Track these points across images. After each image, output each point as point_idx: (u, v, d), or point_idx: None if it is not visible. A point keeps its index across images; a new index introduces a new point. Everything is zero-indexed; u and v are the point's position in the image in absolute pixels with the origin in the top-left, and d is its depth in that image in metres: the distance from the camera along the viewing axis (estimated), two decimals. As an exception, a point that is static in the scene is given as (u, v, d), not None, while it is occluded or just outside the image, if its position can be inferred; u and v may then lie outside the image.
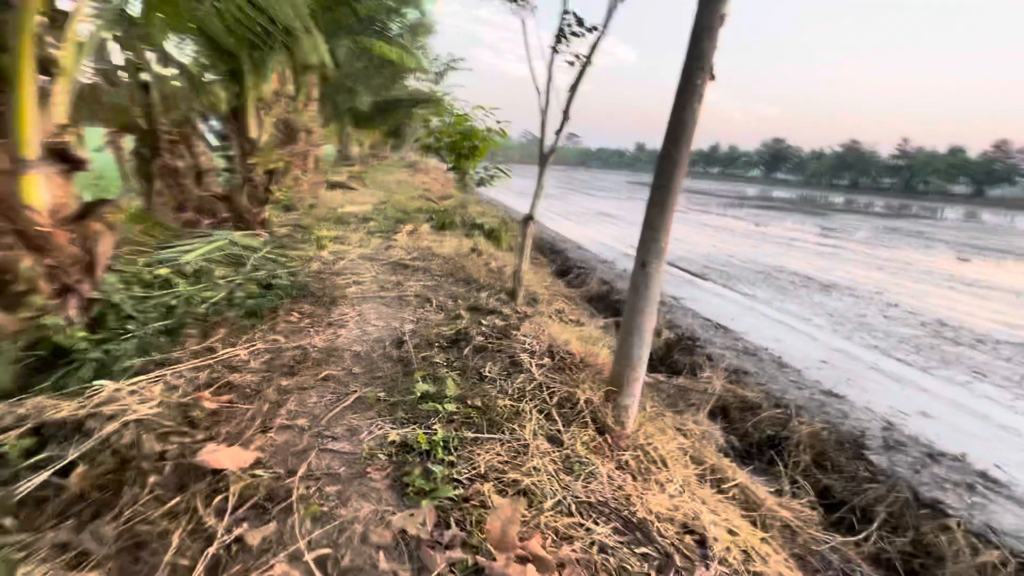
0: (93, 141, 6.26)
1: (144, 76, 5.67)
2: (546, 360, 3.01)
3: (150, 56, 5.46)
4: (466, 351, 3.13)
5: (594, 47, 4.12)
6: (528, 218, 4.69)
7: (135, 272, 3.33)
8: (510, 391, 2.65)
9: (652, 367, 4.62)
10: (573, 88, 4.28)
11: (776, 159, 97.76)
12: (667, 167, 2.53)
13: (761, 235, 15.87)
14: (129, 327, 2.81)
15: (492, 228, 7.87)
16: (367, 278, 4.82)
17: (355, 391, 2.61)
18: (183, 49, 5.57)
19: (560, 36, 4.23)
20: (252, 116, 5.55)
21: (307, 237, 5.85)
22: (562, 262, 8.79)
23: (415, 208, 10.37)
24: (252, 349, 2.99)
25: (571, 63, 4.31)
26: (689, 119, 2.47)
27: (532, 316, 4.32)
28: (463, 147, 8.66)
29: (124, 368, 2.45)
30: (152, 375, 2.46)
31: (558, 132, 4.38)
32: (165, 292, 3.36)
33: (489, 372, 2.86)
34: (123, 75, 5.34)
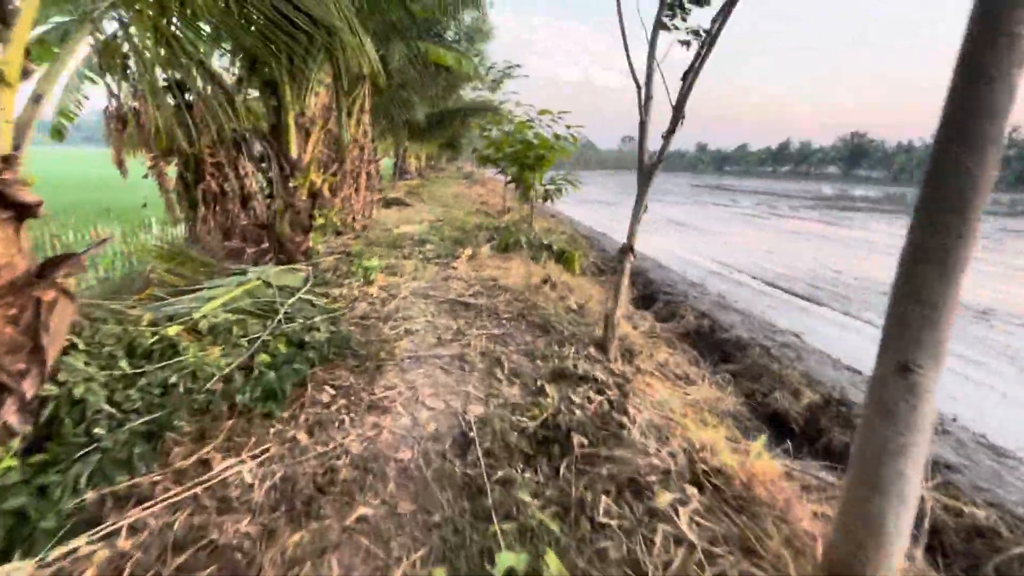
0: (135, 167, 5.86)
1: (187, 95, 5.16)
2: (691, 492, 1.92)
3: (192, 73, 4.93)
4: (562, 468, 2.10)
5: (724, 16, 2.98)
6: (627, 249, 3.62)
7: (128, 339, 2.58)
8: (649, 570, 1.59)
9: (796, 449, 3.37)
10: (690, 74, 3.18)
11: (856, 154, 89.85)
12: (950, 185, 1.38)
13: (863, 243, 13.78)
14: (97, 431, 2.02)
15: (562, 249, 6.85)
16: (420, 323, 3.93)
17: (400, 557, 1.65)
18: (219, 62, 5.00)
19: (673, 4, 3.14)
20: (293, 133, 4.87)
21: (355, 268, 5.09)
22: (643, 285, 7.62)
23: (474, 225, 9.53)
24: (262, 459, 2.12)
25: (686, 42, 3.21)
26: (1000, 99, 1.31)
27: (634, 379, 3.24)
28: (526, 158, 7.72)
29: (58, 517, 1.63)
30: (99, 530, 1.62)
31: (668, 134, 3.29)
32: (164, 363, 2.59)
33: (605, 515, 1.82)
34: (166, 96, 4.82)
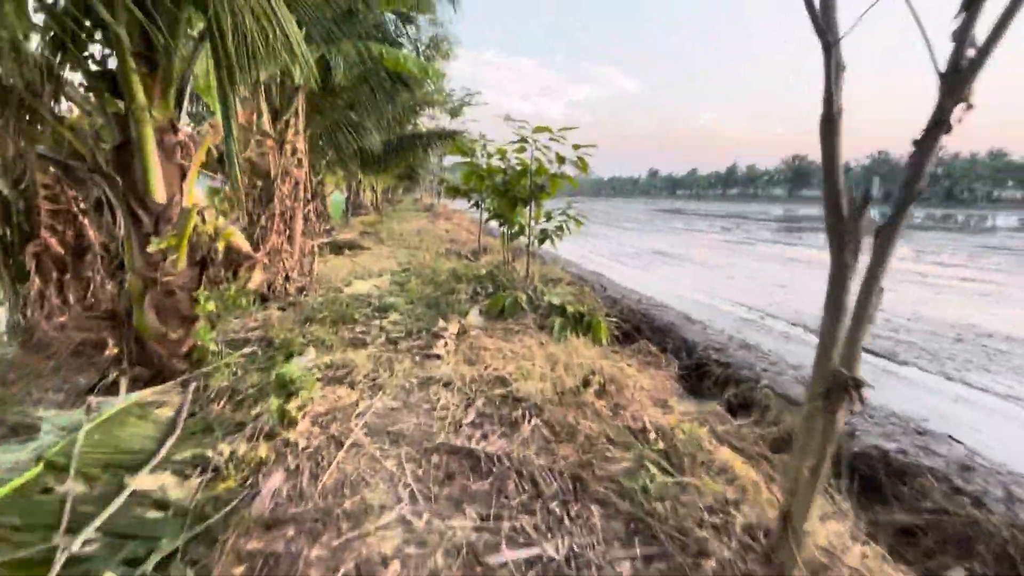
0: None
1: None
2: None
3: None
4: None
5: None
6: (853, 385, 1.75)
7: None
8: None
9: None
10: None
11: (799, 176, 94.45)
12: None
13: (864, 269, 12.74)
14: None
15: (578, 312, 4.98)
16: (391, 532, 1.93)
17: None
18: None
19: None
20: (154, 162, 2.82)
21: (269, 380, 3.01)
22: (676, 346, 5.87)
23: (448, 272, 7.57)
24: None
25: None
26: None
27: None
28: (518, 189, 5.90)
29: None
30: None
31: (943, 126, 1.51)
32: None
33: None
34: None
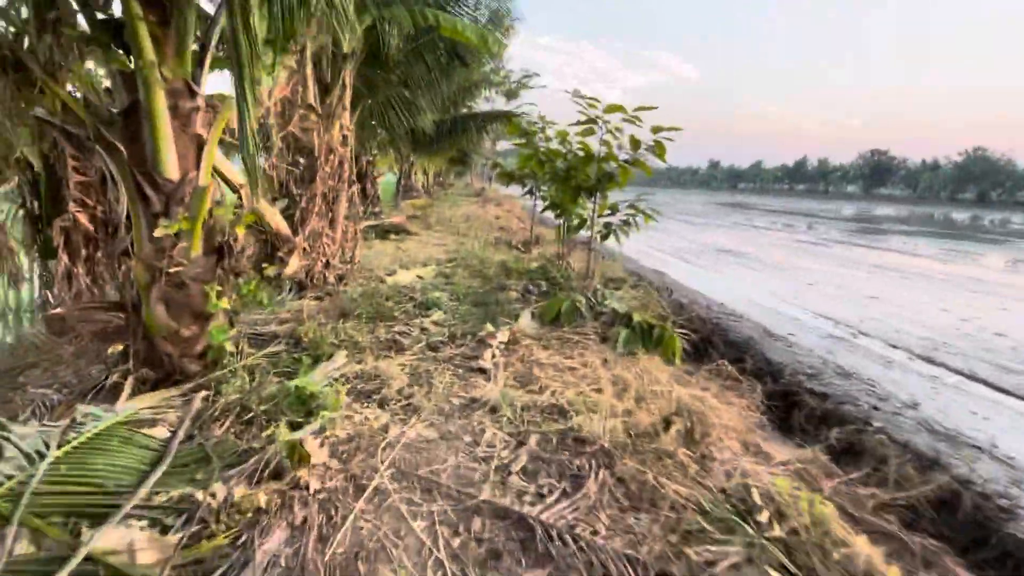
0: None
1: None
2: None
3: None
4: None
5: None
6: None
7: None
8: None
9: None
10: None
11: (877, 172, 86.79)
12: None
13: (973, 281, 11.11)
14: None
15: (646, 323, 4.27)
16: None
17: None
18: None
19: None
20: (164, 129, 2.37)
21: (289, 391, 2.54)
22: (757, 366, 5.03)
23: (497, 265, 7.00)
24: None
25: None
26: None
27: None
28: (582, 177, 5.21)
29: None
30: None
31: None
32: None
33: None
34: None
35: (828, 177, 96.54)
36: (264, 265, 4.57)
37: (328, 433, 2.39)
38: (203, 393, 2.56)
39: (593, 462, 2.31)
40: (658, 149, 4.57)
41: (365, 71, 7.05)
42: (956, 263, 14.44)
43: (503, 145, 36.48)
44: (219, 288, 2.58)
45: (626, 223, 5.50)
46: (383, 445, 2.37)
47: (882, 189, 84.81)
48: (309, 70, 5.14)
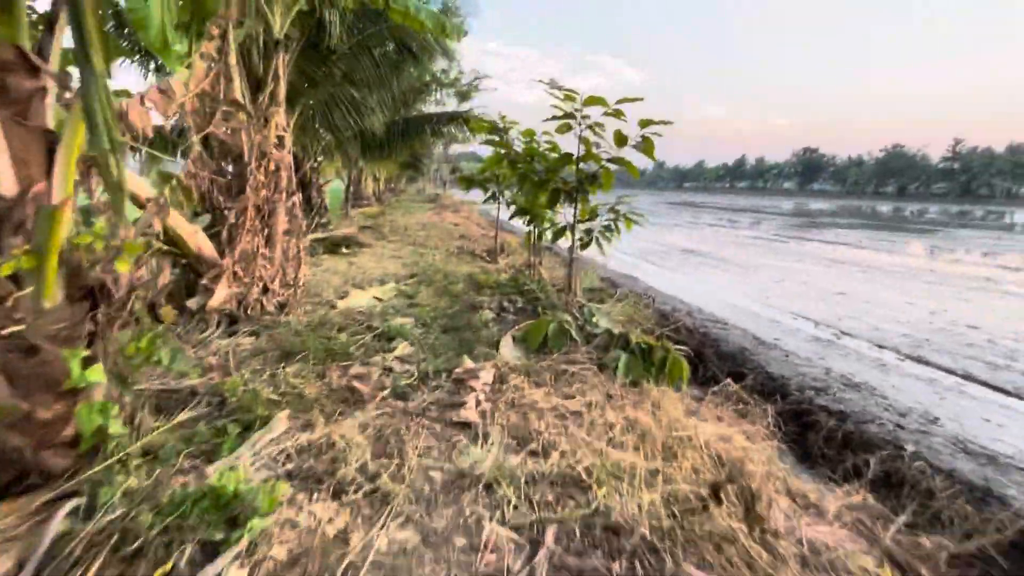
0: None
1: None
2: None
3: None
4: None
5: None
6: None
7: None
8: None
9: None
10: None
11: (810, 169, 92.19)
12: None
13: (919, 271, 11.44)
14: None
15: (644, 343, 3.71)
16: None
17: None
18: None
19: None
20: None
21: (201, 493, 1.79)
22: (758, 380, 4.59)
23: (464, 279, 6.32)
24: None
25: None
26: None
27: None
28: (555, 180, 4.64)
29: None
30: None
31: None
32: None
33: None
34: None
35: (765, 175, 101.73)
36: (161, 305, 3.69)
37: (261, 555, 1.65)
38: (70, 505, 1.76)
39: (638, 566, 1.69)
40: (646, 145, 4.05)
41: (304, 65, 6.21)
42: (901, 254, 15.01)
43: (455, 149, 35.68)
44: (86, 352, 1.78)
45: (608, 228, 4.96)
46: (343, 565, 1.66)
47: (814, 185, 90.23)
48: (233, 60, 4.29)
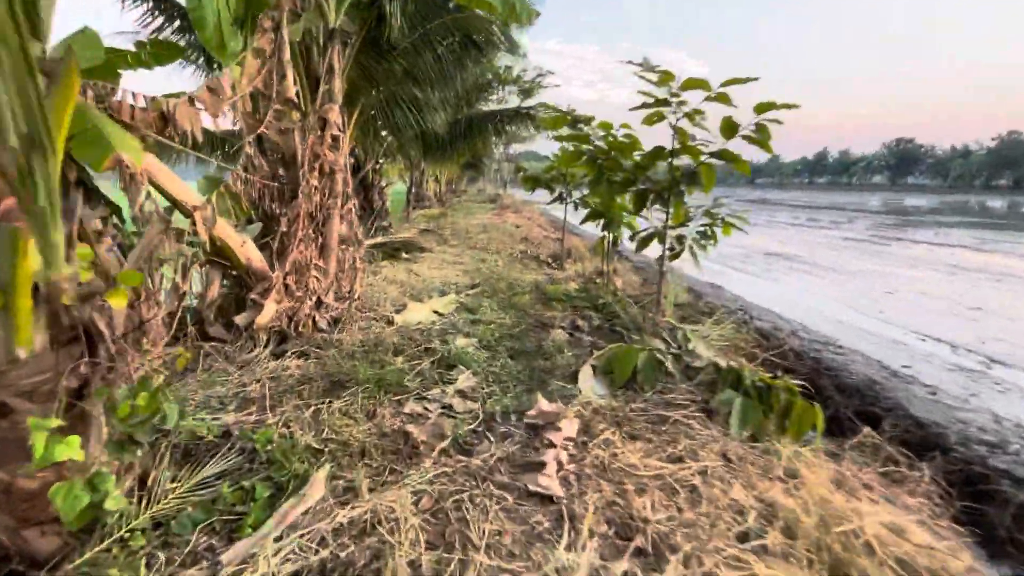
0: None
1: None
2: None
3: None
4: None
5: None
6: None
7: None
8: None
9: None
10: None
11: (904, 161, 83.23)
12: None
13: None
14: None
15: (761, 382, 2.96)
16: None
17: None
18: None
19: None
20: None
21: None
22: (905, 428, 3.63)
23: (530, 289, 5.76)
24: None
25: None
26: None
27: None
28: (647, 176, 3.94)
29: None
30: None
31: None
32: None
33: None
34: None
35: (851, 168, 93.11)
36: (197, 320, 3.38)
37: None
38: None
39: None
40: (761, 135, 3.27)
41: (364, 61, 5.89)
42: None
43: (515, 148, 35.31)
44: (56, 423, 1.35)
45: (704, 235, 4.20)
46: None
47: (909, 179, 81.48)
48: (287, 55, 3.96)
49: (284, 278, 3.84)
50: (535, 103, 10.44)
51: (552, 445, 2.31)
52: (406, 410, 2.72)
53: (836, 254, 13.05)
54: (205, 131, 3.37)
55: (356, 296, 4.35)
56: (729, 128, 3.27)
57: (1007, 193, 63.56)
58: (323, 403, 2.75)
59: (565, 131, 3.88)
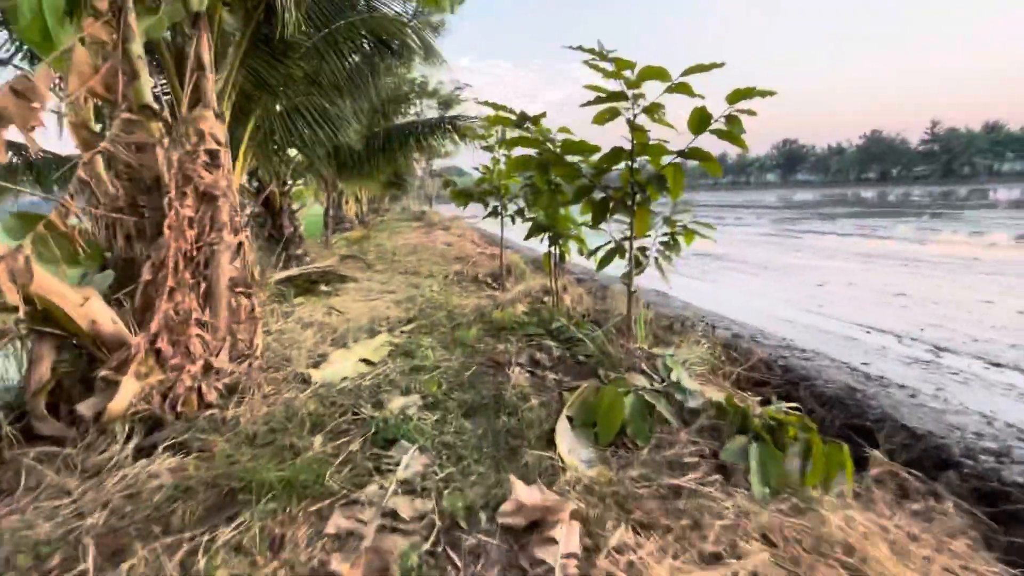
0: None
1: None
2: None
3: None
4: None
5: None
6: None
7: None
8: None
9: None
10: None
11: (791, 160, 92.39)
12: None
13: (966, 261, 10.39)
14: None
15: (774, 421, 2.49)
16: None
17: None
18: None
19: None
20: None
21: None
22: (902, 443, 3.31)
23: (475, 318, 5.06)
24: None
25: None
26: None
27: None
28: (606, 183, 3.43)
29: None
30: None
31: None
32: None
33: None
34: None
35: (748, 168, 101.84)
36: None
37: None
38: None
39: None
40: (731, 128, 2.83)
41: (256, 65, 4.96)
42: (930, 243, 14.00)
43: (436, 164, 34.50)
44: None
45: (667, 245, 3.74)
46: None
47: (797, 175, 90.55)
48: (137, 49, 3.02)
49: (152, 342, 2.86)
50: (456, 114, 9.78)
51: (542, 562, 1.62)
52: (329, 528, 1.91)
53: (760, 250, 13.57)
54: (20, 151, 2.41)
55: (258, 352, 3.41)
56: (701, 121, 2.80)
57: (877, 184, 72.26)
58: (204, 534, 1.88)
59: (509, 135, 3.26)
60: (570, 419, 2.75)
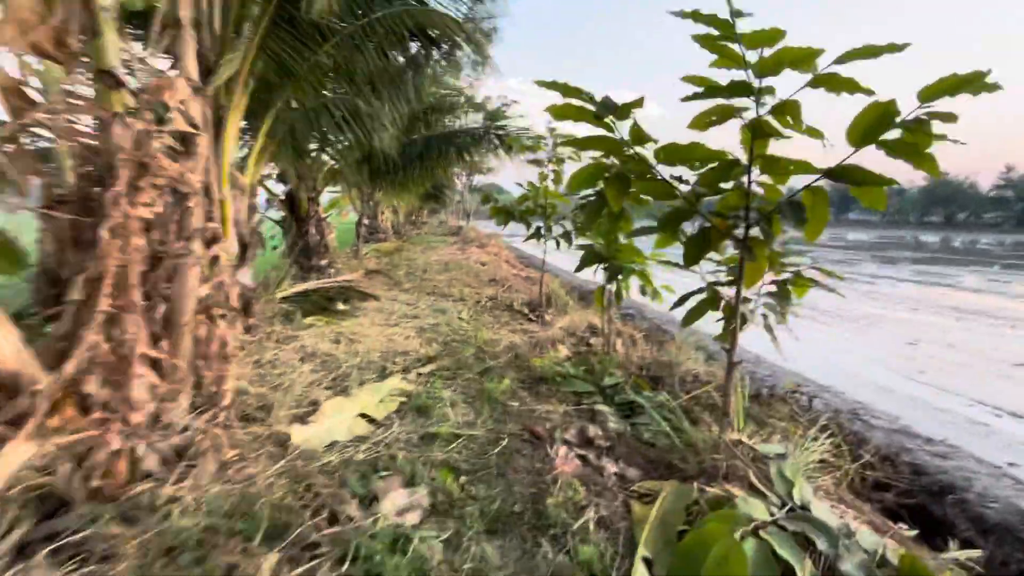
0: None
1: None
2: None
3: None
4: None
5: None
6: None
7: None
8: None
9: None
10: None
11: (845, 199, 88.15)
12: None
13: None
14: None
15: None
16: None
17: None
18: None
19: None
20: None
21: None
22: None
23: (506, 353, 4.17)
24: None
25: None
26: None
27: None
28: (716, 209, 2.49)
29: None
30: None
31: None
32: None
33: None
34: None
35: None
36: None
37: None
38: None
39: None
40: (920, 144, 1.88)
41: (277, 47, 4.31)
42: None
43: (477, 180, 34.16)
44: None
45: (777, 296, 2.77)
46: None
47: (850, 215, 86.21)
48: (106, 0, 2.32)
49: (72, 385, 2.09)
50: (502, 123, 9.05)
51: None
52: None
53: (830, 296, 12.15)
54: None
55: (227, 401, 2.60)
56: (877, 123, 1.85)
57: (939, 228, 67.85)
58: None
59: (580, 133, 2.39)
60: (647, 563, 1.79)
